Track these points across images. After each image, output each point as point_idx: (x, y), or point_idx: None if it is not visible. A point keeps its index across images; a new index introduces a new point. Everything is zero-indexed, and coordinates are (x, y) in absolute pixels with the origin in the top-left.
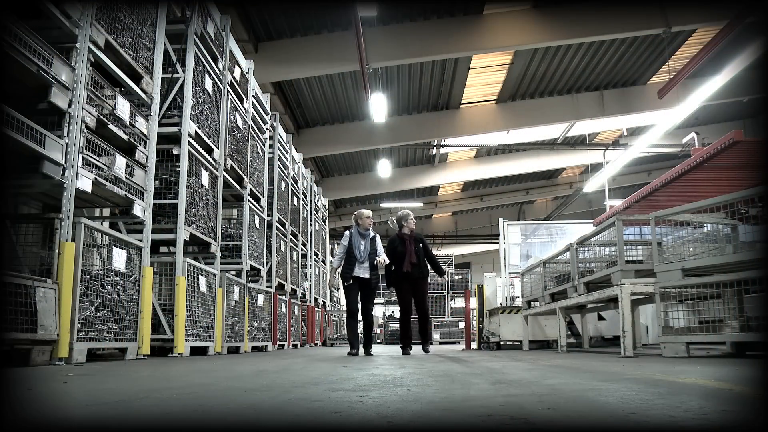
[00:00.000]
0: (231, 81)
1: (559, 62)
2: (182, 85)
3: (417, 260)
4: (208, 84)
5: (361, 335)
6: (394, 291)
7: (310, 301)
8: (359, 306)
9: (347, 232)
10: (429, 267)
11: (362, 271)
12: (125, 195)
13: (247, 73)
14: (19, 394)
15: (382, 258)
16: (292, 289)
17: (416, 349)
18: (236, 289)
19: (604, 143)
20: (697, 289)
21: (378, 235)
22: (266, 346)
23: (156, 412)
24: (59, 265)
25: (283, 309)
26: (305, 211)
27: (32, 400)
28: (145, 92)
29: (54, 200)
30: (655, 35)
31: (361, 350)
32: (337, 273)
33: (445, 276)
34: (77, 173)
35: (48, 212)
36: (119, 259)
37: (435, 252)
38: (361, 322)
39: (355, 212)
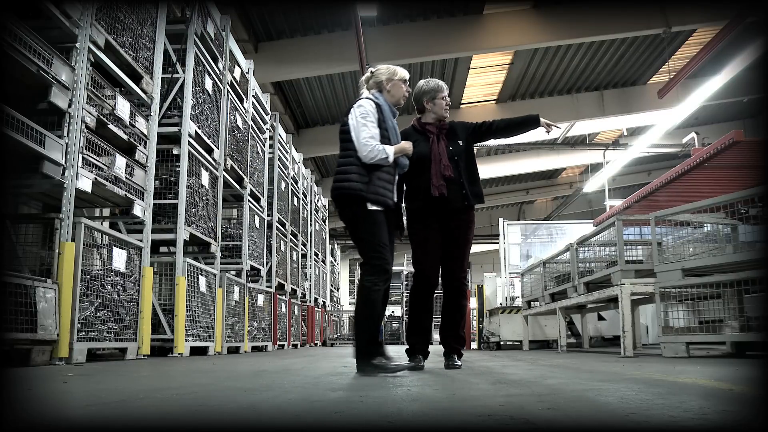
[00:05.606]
0: (231, 81)
1: (559, 62)
2: (182, 85)
3: (455, 173)
4: (208, 84)
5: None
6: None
7: (310, 301)
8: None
9: (368, 102)
10: (478, 187)
11: (392, 192)
12: (125, 195)
13: (247, 73)
14: (19, 394)
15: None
16: (292, 289)
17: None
18: (236, 289)
19: (604, 143)
20: (697, 289)
21: None
22: (266, 346)
23: (156, 412)
24: (59, 265)
25: (283, 309)
26: (305, 211)
27: (32, 400)
28: (145, 92)
29: (54, 200)
30: (655, 35)
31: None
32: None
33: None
34: (77, 173)
35: (48, 212)
36: (119, 259)
37: None
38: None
39: (380, 69)
